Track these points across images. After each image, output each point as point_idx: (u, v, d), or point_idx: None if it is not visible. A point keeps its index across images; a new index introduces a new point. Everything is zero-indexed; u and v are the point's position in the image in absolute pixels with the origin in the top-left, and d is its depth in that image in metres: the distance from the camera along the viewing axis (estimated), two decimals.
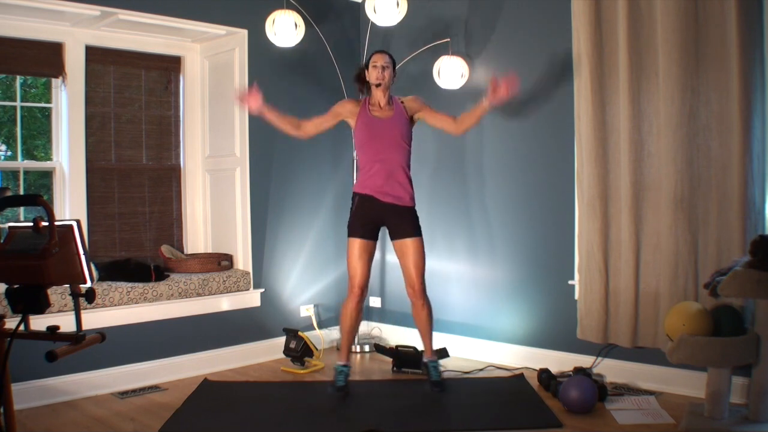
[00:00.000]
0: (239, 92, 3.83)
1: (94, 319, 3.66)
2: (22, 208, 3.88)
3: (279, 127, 3.82)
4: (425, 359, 3.82)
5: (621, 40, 3.68)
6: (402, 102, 3.77)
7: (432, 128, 3.96)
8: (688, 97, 3.49)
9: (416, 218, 3.73)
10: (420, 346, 4.28)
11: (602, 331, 3.82)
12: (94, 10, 3.83)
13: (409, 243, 3.67)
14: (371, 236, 3.70)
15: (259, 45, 4.48)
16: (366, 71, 3.79)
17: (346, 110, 3.76)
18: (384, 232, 3.86)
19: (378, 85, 3.70)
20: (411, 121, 3.77)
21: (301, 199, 4.80)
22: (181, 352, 4.16)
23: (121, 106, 4.45)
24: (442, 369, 3.93)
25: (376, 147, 3.65)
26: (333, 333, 4.93)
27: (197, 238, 4.78)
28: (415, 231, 3.69)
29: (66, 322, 2.23)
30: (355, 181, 4.86)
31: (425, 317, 3.76)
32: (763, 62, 3.34)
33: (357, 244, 3.66)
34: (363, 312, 3.82)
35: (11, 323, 1.97)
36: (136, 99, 4.52)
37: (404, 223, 3.68)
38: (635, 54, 3.66)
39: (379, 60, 3.72)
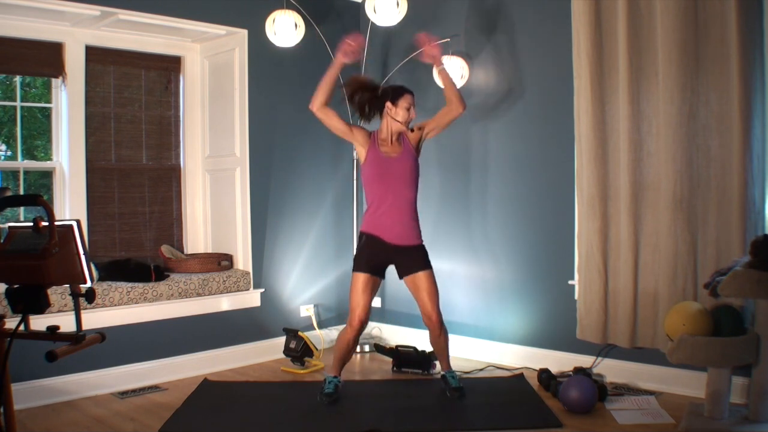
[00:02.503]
0: (346, 45, 3.64)
1: (94, 319, 3.66)
2: (22, 208, 3.88)
3: (324, 86, 3.62)
4: (443, 372, 3.81)
5: (621, 40, 3.68)
6: (407, 136, 3.72)
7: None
8: (688, 96, 3.49)
9: (425, 252, 3.70)
10: (420, 346, 4.29)
11: (602, 331, 3.82)
12: (94, 10, 3.83)
13: (421, 276, 3.64)
14: (377, 273, 3.67)
15: (259, 45, 4.48)
16: (389, 102, 3.66)
17: (360, 138, 3.68)
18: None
19: (412, 130, 3.68)
20: (418, 152, 3.75)
21: (301, 199, 4.80)
22: (181, 352, 4.16)
23: (121, 106, 4.45)
24: (438, 367, 3.94)
25: (384, 186, 3.62)
26: (333, 333, 4.93)
27: (197, 238, 4.78)
28: (425, 264, 3.66)
29: (66, 322, 2.23)
30: (356, 183, 4.88)
31: (443, 344, 3.76)
32: (763, 62, 3.34)
33: (362, 278, 3.63)
34: (358, 343, 3.78)
35: (11, 323, 1.97)
36: (136, 99, 4.52)
37: (413, 259, 3.65)
38: (635, 54, 3.66)
39: (413, 103, 3.67)
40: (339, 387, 3.66)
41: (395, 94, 3.68)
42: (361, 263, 3.65)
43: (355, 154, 4.82)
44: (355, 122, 3.96)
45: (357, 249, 3.73)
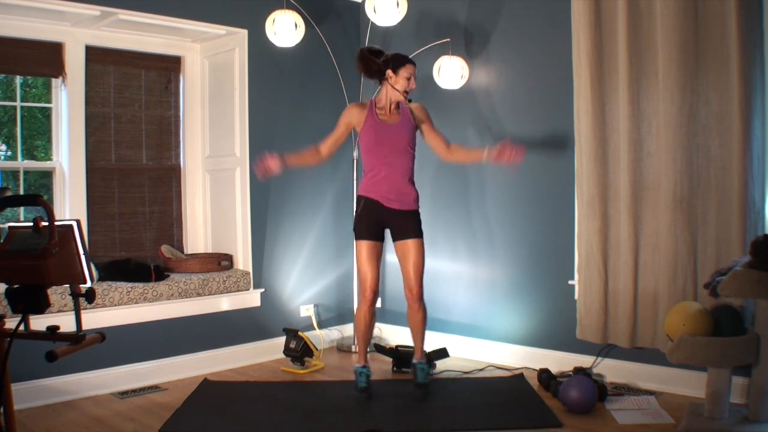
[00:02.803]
0: (255, 167, 3.74)
1: (94, 319, 3.66)
2: (22, 208, 3.88)
3: (304, 165, 3.87)
4: (414, 360, 3.81)
5: (621, 40, 3.68)
6: (409, 108, 3.74)
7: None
8: (688, 96, 3.49)
9: (419, 220, 3.73)
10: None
11: (601, 331, 3.82)
12: (94, 10, 3.83)
13: (410, 244, 3.68)
14: (378, 237, 3.70)
15: (259, 45, 4.48)
16: (390, 71, 3.67)
17: (354, 117, 3.71)
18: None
19: (409, 100, 3.70)
20: (416, 127, 3.77)
21: (301, 199, 4.80)
22: (181, 352, 4.16)
23: (121, 106, 4.45)
24: (438, 367, 3.93)
25: (382, 152, 3.65)
26: (333, 333, 4.94)
27: (197, 238, 4.78)
28: (417, 232, 3.70)
29: (66, 322, 2.24)
30: (356, 183, 4.88)
31: (420, 320, 3.76)
32: (763, 62, 3.34)
33: (365, 246, 3.66)
34: (376, 315, 3.79)
35: (11, 323, 1.97)
36: (136, 99, 4.53)
37: (407, 224, 3.69)
38: (635, 54, 3.66)
39: (414, 73, 3.69)
40: (370, 378, 3.69)
41: (396, 62, 3.68)
42: (362, 230, 3.67)
43: (355, 154, 4.83)
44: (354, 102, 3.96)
45: (356, 214, 3.74)
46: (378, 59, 3.70)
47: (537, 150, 4.23)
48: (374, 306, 3.72)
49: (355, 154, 4.86)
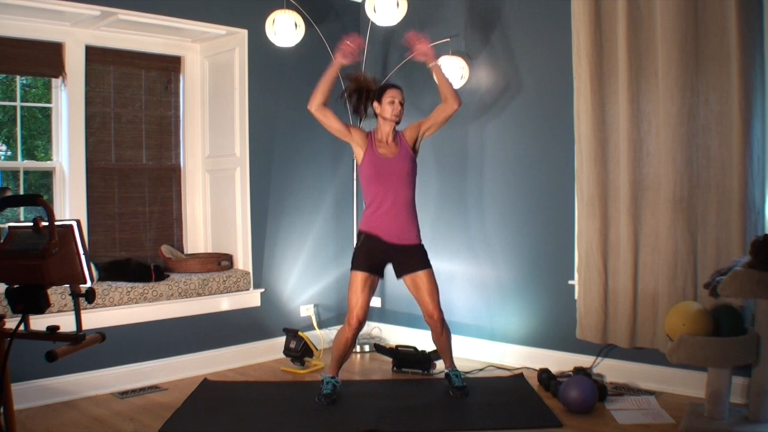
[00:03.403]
0: (343, 48, 3.67)
1: (94, 319, 3.66)
2: (22, 208, 3.88)
3: (323, 86, 3.64)
4: (446, 369, 3.81)
5: (621, 39, 3.68)
6: (404, 136, 3.73)
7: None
8: (688, 96, 3.49)
9: (424, 252, 3.70)
10: (420, 346, 4.29)
11: (601, 332, 3.82)
12: (94, 10, 3.83)
13: (421, 275, 3.64)
14: (376, 271, 3.67)
15: (259, 45, 4.48)
16: (376, 102, 3.70)
17: (358, 138, 3.68)
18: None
19: (398, 123, 3.68)
20: (415, 152, 3.74)
21: (301, 199, 4.80)
22: (181, 352, 4.16)
23: (121, 106, 4.45)
24: (438, 367, 3.94)
25: (382, 186, 3.62)
26: (333, 333, 4.93)
27: (197, 238, 4.78)
28: (425, 263, 3.67)
29: (66, 322, 2.23)
30: (356, 183, 4.88)
31: (446, 340, 3.77)
32: (763, 62, 3.34)
33: (360, 277, 3.62)
34: (356, 343, 3.77)
35: (11, 323, 1.97)
36: (136, 99, 4.52)
37: (413, 258, 3.66)
38: (635, 54, 3.66)
39: (397, 96, 3.66)
40: (337, 388, 3.65)
41: (379, 92, 3.71)
42: (359, 262, 3.65)
43: (355, 162, 4.82)
44: (354, 123, 3.96)
45: (355, 247, 3.73)
46: (367, 94, 3.75)
47: (537, 150, 4.24)
48: (358, 334, 3.69)
49: (355, 162, 4.86)
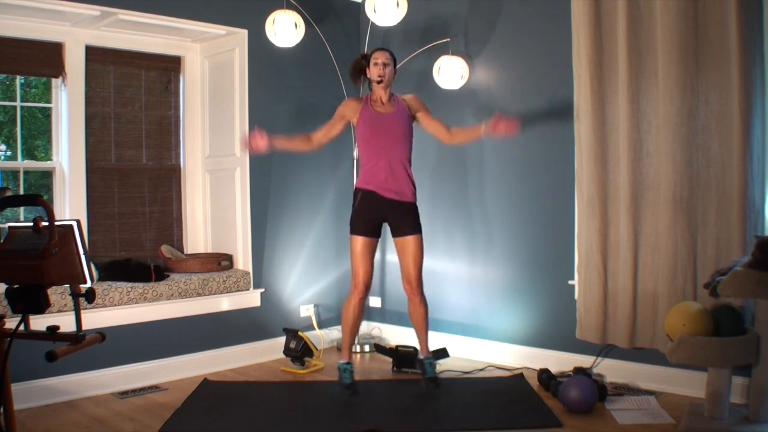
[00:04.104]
0: (242, 140, 3.84)
1: (94, 319, 3.66)
2: (22, 208, 3.88)
3: (292, 150, 3.90)
4: (420, 356, 3.84)
5: (620, 40, 3.67)
6: (403, 99, 3.82)
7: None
8: (688, 96, 3.49)
9: (417, 214, 3.76)
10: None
11: (601, 332, 3.82)
12: (94, 10, 3.83)
13: (410, 239, 3.71)
14: (374, 233, 3.72)
15: (259, 45, 4.48)
16: (367, 68, 3.82)
17: (349, 109, 3.78)
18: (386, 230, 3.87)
19: (379, 82, 3.73)
20: (412, 117, 3.81)
21: (301, 199, 4.80)
22: (181, 352, 4.17)
23: (121, 106, 4.45)
24: (438, 367, 3.95)
25: (378, 142, 3.68)
26: (333, 333, 4.93)
27: (197, 238, 4.78)
28: (416, 228, 3.73)
29: (66, 322, 2.24)
30: (355, 179, 4.88)
31: (422, 314, 3.80)
32: (763, 62, 3.34)
33: (360, 241, 3.69)
34: (364, 311, 3.83)
35: (11, 323, 1.97)
36: (136, 99, 4.53)
37: (406, 219, 3.71)
38: (635, 54, 3.66)
39: (380, 57, 3.75)
40: (353, 374, 3.71)
41: (368, 56, 3.82)
42: (358, 225, 3.69)
43: (355, 153, 4.83)
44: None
45: (353, 209, 3.76)
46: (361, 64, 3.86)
47: (537, 150, 4.23)
48: (364, 300, 3.75)
49: (355, 153, 4.86)
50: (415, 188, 3.77)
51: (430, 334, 3.97)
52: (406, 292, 3.80)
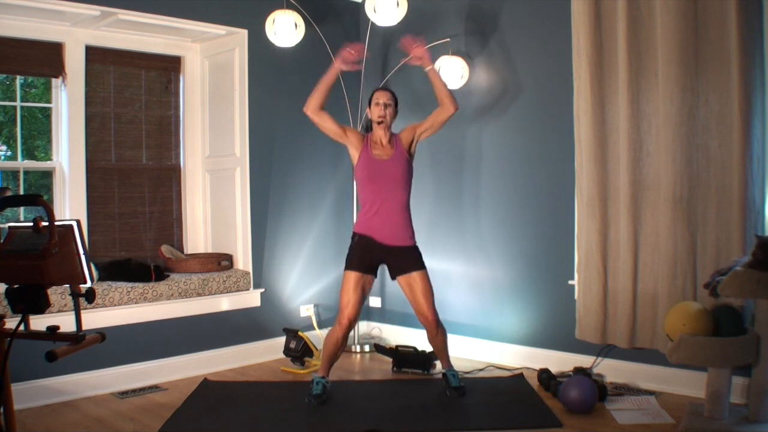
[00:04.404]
0: (346, 53, 3.70)
1: (94, 319, 3.66)
2: (22, 208, 3.88)
3: (321, 90, 3.66)
4: (443, 370, 3.82)
5: (620, 40, 3.67)
6: (400, 139, 3.75)
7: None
8: (688, 96, 3.49)
9: (419, 254, 3.71)
10: (420, 346, 4.29)
11: (600, 332, 3.82)
12: (94, 10, 3.83)
13: (415, 276, 3.65)
14: (368, 271, 3.67)
15: (259, 45, 4.48)
16: (368, 108, 3.79)
17: (354, 139, 3.72)
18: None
19: (380, 123, 3.68)
20: (410, 155, 3.75)
21: (301, 199, 4.80)
22: (181, 352, 4.16)
23: (121, 106, 4.45)
24: (438, 367, 3.95)
25: (377, 187, 3.64)
26: None
27: (197, 238, 4.78)
28: (419, 264, 3.67)
29: (66, 322, 2.24)
30: (356, 183, 4.88)
31: (441, 341, 3.77)
32: (763, 62, 3.34)
33: (354, 276, 3.63)
34: (346, 342, 3.75)
35: (11, 323, 1.97)
36: (136, 99, 4.53)
37: (407, 259, 3.66)
38: (635, 54, 3.66)
39: (382, 97, 3.71)
40: (327, 388, 3.63)
41: (370, 98, 3.79)
42: (352, 261, 3.67)
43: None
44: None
45: (349, 248, 3.74)
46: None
47: (537, 150, 4.23)
48: (348, 333, 3.69)
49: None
50: (413, 231, 3.71)
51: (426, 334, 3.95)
52: (423, 324, 3.73)
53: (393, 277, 3.74)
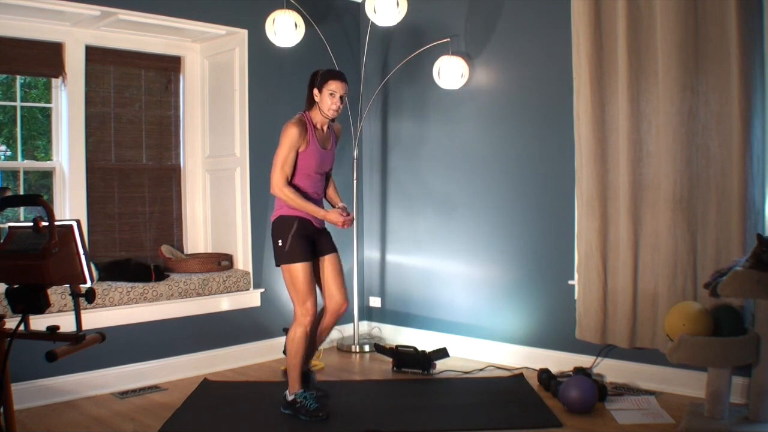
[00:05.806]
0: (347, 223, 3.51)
1: (94, 319, 3.66)
2: (22, 208, 3.88)
3: (299, 204, 3.43)
4: (307, 367, 3.64)
5: (620, 40, 3.67)
6: (334, 131, 3.59)
7: (433, 127, 3.89)
8: (688, 96, 3.49)
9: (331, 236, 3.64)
10: (420, 346, 4.29)
11: (600, 332, 3.81)
12: (94, 10, 3.83)
13: (334, 257, 3.58)
14: (313, 257, 3.50)
15: (259, 45, 4.48)
16: (316, 89, 3.40)
17: (300, 138, 3.36)
18: None
19: (333, 120, 3.50)
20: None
21: None
22: (181, 352, 4.16)
23: (121, 106, 4.45)
24: (438, 367, 3.92)
25: (320, 176, 3.53)
26: (333, 333, 4.92)
27: (197, 238, 4.78)
28: (335, 246, 3.62)
29: (66, 322, 2.24)
30: (356, 183, 4.88)
31: (328, 334, 3.73)
32: (763, 62, 3.34)
33: (308, 267, 3.41)
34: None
35: (11, 323, 1.97)
36: (136, 99, 4.53)
37: (328, 241, 3.60)
38: (634, 54, 3.66)
39: (339, 89, 3.36)
40: (318, 394, 3.51)
41: (322, 78, 3.38)
42: (302, 251, 3.41)
43: (354, 153, 4.83)
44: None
45: (291, 237, 3.43)
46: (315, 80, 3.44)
47: (537, 150, 4.23)
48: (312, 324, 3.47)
49: (356, 153, 4.87)
50: None
51: (430, 333, 3.92)
52: (332, 311, 3.58)
53: (320, 256, 3.55)
